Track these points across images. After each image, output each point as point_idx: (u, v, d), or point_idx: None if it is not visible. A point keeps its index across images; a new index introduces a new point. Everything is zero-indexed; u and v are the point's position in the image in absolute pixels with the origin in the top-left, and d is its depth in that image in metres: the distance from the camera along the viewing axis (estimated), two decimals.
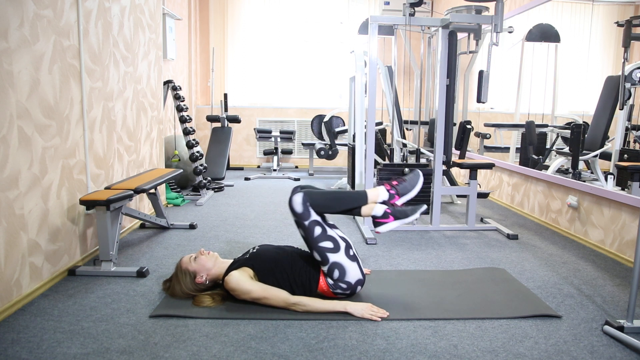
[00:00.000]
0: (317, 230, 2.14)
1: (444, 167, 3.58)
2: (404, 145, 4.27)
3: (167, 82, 4.66)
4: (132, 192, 2.64)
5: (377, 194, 2.24)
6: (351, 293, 2.20)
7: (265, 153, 6.55)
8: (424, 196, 3.49)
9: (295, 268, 2.17)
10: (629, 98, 3.03)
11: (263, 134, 6.31)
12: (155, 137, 3.94)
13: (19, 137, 2.09)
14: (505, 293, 2.35)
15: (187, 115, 4.64)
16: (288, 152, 6.70)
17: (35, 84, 2.21)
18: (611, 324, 1.97)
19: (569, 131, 3.58)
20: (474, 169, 3.57)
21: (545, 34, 4.04)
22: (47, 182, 2.33)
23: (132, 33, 3.37)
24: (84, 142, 2.69)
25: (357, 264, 2.18)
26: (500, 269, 2.71)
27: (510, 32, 4.45)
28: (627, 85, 2.99)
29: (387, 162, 4.33)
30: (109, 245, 2.51)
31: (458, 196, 4.67)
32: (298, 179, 5.89)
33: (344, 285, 2.15)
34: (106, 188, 2.72)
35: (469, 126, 4.32)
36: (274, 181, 5.76)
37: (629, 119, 3.11)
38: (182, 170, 3.56)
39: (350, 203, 2.21)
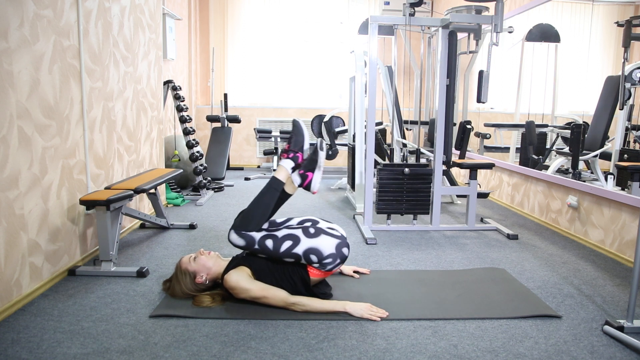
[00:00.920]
0: (269, 243, 2.14)
1: (444, 167, 3.57)
2: (404, 145, 4.27)
3: (167, 82, 4.66)
4: (132, 192, 2.64)
5: (284, 168, 2.30)
6: (341, 260, 2.17)
7: (265, 153, 6.55)
8: (424, 196, 3.49)
9: (289, 266, 2.18)
10: (629, 98, 3.03)
11: (263, 134, 6.31)
12: (155, 137, 3.94)
13: (19, 137, 2.09)
14: (505, 293, 2.35)
15: (187, 115, 4.64)
16: None
17: (35, 84, 2.21)
18: (611, 324, 1.97)
19: (569, 131, 3.58)
20: (474, 169, 3.57)
21: (545, 34, 4.04)
22: (47, 182, 2.33)
23: (132, 33, 3.37)
24: (84, 142, 2.69)
25: (324, 234, 2.16)
26: (500, 269, 2.71)
27: (510, 32, 4.45)
28: (627, 85, 2.99)
29: (387, 162, 4.33)
30: (109, 245, 2.51)
31: (458, 196, 4.67)
32: None
33: (328, 260, 2.13)
34: (106, 188, 2.72)
35: (469, 126, 4.32)
36: None
37: (629, 119, 3.11)
38: (182, 170, 3.56)
39: (272, 196, 2.24)
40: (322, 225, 2.27)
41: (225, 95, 5.97)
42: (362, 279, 2.53)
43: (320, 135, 6.33)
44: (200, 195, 4.63)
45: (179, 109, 4.64)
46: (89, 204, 2.42)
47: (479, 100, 3.31)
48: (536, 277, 2.62)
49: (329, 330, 1.95)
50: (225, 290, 2.16)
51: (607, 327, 1.98)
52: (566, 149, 3.66)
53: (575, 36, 3.66)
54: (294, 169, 2.31)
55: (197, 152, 4.57)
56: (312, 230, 2.17)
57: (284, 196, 2.28)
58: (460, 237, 3.41)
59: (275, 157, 6.45)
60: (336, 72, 6.92)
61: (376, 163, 4.26)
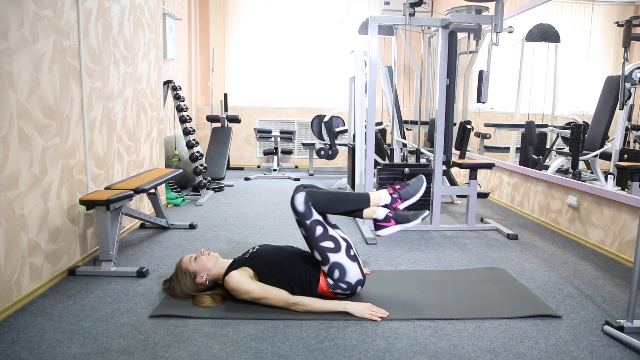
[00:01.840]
0: (319, 230, 2.14)
1: (444, 167, 3.58)
2: (404, 145, 4.27)
3: (167, 82, 4.66)
4: (132, 192, 2.64)
5: (380, 197, 2.24)
6: (351, 293, 2.19)
7: (265, 153, 6.55)
8: (424, 196, 3.49)
9: (295, 268, 2.17)
10: (629, 98, 3.03)
11: (263, 134, 6.31)
12: (155, 137, 3.94)
13: (19, 137, 2.09)
14: (505, 293, 2.35)
15: (187, 115, 4.64)
16: (288, 152, 6.70)
17: (35, 84, 2.21)
18: (611, 324, 1.97)
19: (569, 131, 3.58)
20: (474, 169, 3.57)
21: (545, 34, 4.04)
22: (47, 182, 2.33)
23: (132, 33, 3.37)
24: (84, 142, 2.69)
25: (357, 264, 2.18)
26: (500, 269, 2.71)
27: (510, 32, 4.45)
28: (627, 85, 2.99)
29: (387, 162, 4.33)
30: (109, 245, 2.51)
31: (458, 196, 4.67)
32: (298, 179, 5.89)
33: (344, 286, 2.15)
34: (106, 188, 2.72)
35: (469, 126, 4.32)
36: (274, 181, 5.76)
37: (629, 119, 3.11)
38: (182, 170, 3.56)
39: (352, 205, 2.21)
40: (358, 256, 2.26)
41: (225, 95, 5.97)
42: None
43: (320, 135, 6.33)
44: (200, 195, 4.63)
45: (179, 109, 4.64)
46: (89, 204, 2.42)
47: (479, 100, 3.31)
48: (536, 277, 2.62)
49: (329, 330, 1.95)
50: (226, 291, 2.16)
51: (607, 327, 1.98)
52: (566, 149, 3.66)
53: (575, 36, 3.66)
54: (386, 206, 2.26)
55: (197, 152, 4.57)
56: (352, 252, 2.18)
57: (356, 213, 2.23)
58: (460, 237, 3.41)
59: (276, 157, 6.44)
60: (336, 72, 6.92)
61: (376, 163, 4.26)
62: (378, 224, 2.24)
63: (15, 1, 2.05)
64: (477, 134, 5.19)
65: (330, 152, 5.65)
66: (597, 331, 1.99)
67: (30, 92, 2.17)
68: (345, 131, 5.80)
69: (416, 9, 3.38)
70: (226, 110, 5.87)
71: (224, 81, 6.84)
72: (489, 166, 3.64)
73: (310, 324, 2.00)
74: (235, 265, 2.19)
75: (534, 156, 4.09)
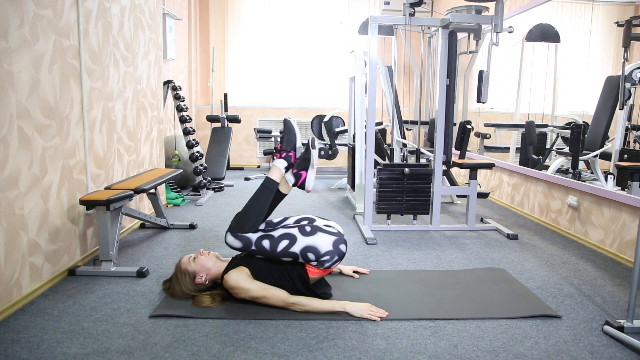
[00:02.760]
0: (267, 244, 2.14)
1: (444, 167, 3.57)
2: (404, 145, 4.27)
3: (167, 82, 4.66)
4: (132, 192, 2.64)
5: (277, 168, 2.31)
6: (339, 257, 2.16)
7: (265, 153, 6.55)
8: (424, 196, 3.49)
9: (287, 265, 2.17)
10: (629, 98, 3.03)
11: (263, 134, 6.31)
12: (155, 137, 3.94)
13: (19, 137, 2.09)
14: (505, 293, 2.35)
15: (187, 115, 4.64)
16: None
17: (35, 84, 2.21)
18: (611, 324, 1.97)
19: (569, 131, 3.58)
20: (474, 169, 3.57)
21: (545, 34, 4.04)
22: (47, 182, 2.33)
23: (132, 33, 3.37)
24: (84, 142, 2.69)
25: (320, 232, 2.15)
26: (500, 269, 2.71)
27: (510, 32, 4.45)
28: (627, 85, 2.99)
29: (387, 162, 4.33)
30: (109, 245, 2.51)
31: (458, 196, 4.67)
32: None
33: (326, 257, 2.12)
34: (106, 188, 2.72)
35: (469, 126, 4.32)
36: None
37: (629, 119, 3.11)
38: (182, 170, 3.56)
39: (267, 196, 2.25)
40: (319, 223, 2.27)
41: (225, 95, 5.97)
42: (362, 279, 2.53)
43: (320, 135, 6.34)
44: (200, 195, 4.63)
45: (179, 109, 4.64)
46: (89, 204, 2.42)
47: (479, 100, 3.31)
48: (536, 277, 2.62)
49: (329, 330, 1.95)
50: (225, 290, 2.16)
51: (607, 327, 1.98)
52: (566, 149, 3.66)
53: (575, 36, 3.66)
54: (287, 169, 2.31)
55: (197, 152, 4.57)
56: (308, 229, 2.17)
57: (279, 196, 2.29)
58: (460, 237, 3.41)
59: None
60: (336, 72, 6.92)
61: (376, 163, 4.26)
62: (298, 185, 2.29)
63: (15, 1, 2.05)
64: (477, 134, 5.19)
65: (330, 152, 5.65)
66: (597, 331, 1.99)
67: (30, 92, 2.17)
68: (345, 131, 5.80)
69: (416, 9, 3.38)
70: (226, 110, 5.87)
71: (224, 81, 6.84)
72: (489, 166, 3.64)
73: (310, 324, 2.00)
74: (232, 264, 2.19)
75: (534, 156, 4.09)
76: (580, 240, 3.35)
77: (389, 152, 4.14)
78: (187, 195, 4.65)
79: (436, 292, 2.36)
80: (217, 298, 2.17)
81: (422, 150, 4.10)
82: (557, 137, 3.95)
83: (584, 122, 3.58)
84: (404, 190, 3.48)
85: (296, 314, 2.06)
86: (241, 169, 6.88)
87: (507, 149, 4.76)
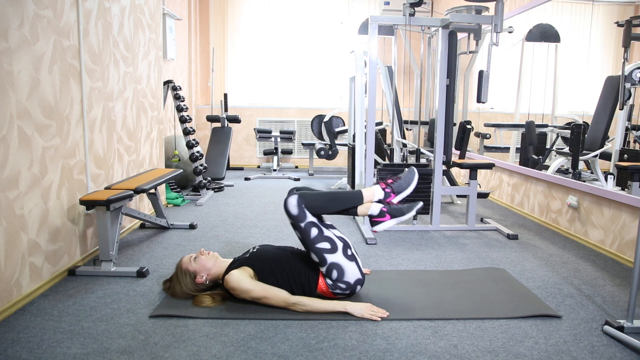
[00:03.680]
0: (314, 232, 2.13)
1: (444, 167, 3.57)
2: (404, 145, 4.27)
3: (167, 82, 4.66)
4: (132, 192, 2.64)
5: (373, 193, 2.25)
6: (350, 293, 2.19)
7: (265, 153, 6.56)
8: (424, 196, 3.49)
9: (295, 268, 2.17)
10: (629, 98, 3.03)
11: (263, 134, 6.31)
12: (155, 137, 3.94)
13: (19, 137, 2.09)
14: (505, 293, 2.35)
15: (187, 115, 4.64)
16: (288, 152, 6.70)
17: (35, 84, 2.21)
18: (611, 324, 1.97)
19: (569, 131, 3.58)
20: (474, 169, 3.57)
21: (545, 34, 4.04)
22: (47, 182, 2.33)
23: (132, 33, 3.37)
24: (84, 142, 2.69)
25: (355, 263, 2.18)
26: (500, 269, 2.71)
27: (510, 32, 4.45)
28: (627, 85, 2.99)
29: (387, 162, 4.33)
30: (109, 245, 2.51)
31: (458, 196, 4.67)
32: (298, 179, 5.89)
33: (343, 286, 2.15)
34: (106, 188, 2.72)
35: (469, 126, 4.32)
36: (274, 181, 5.76)
37: (629, 119, 3.11)
38: (182, 170, 3.56)
39: (346, 203, 2.21)
40: (357, 255, 2.26)
41: (225, 95, 5.97)
42: None
43: (320, 135, 6.34)
44: (200, 195, 4.63)
45: (179, 109, 4.64)
46: (89, 204, 2.42)
47: (479, 100, 3.31)
48: (536, 277, 2.62)
49: (329, 330, 1.95)
50: (226, 291, 2.16)
51: (607, 327, 1.98)
52: (566, 149, 3.66)
53: (575, 36, 3.66)
54: (380, 201, 2.26)
55: (197, 152, 4.57)
56: (349, 252, 2.18)
57: (351, 211, 2.23)
58: (460, 237, 3.41)
59: (276, 157, 6.44)
60: (336, 72, 6.92)
61: (376, 163, 4.26)
62: (373, 220, 2.24)
63: (15, 1, 2.05)
64: (477, 134, 5.19)
65: (330, 152, 5.66)
66: (597, 331, 1.99)
67: (30, 92, 2.17)
68: (345, 131, 5.80)
69: (416, 9, 3.38)
70: (226, 110, 5.87)
71: (224, 81, 6.84)
72: (489, 166, 3.64)
73: (310, 324, 2.00)
74: (235, 264, 2.19)
75: (534, 156, 4.09)
76: (580, 240, 3.35)
77: (389, 152, 4.15)
78: (187, 195, 4.65)
79: (436, 292, 2.36)
80: (217, 298, 2.17)
81: (422, 150, 4.11)
82: (557, 137, 3.95)
83: (584, 122, 3.59)
84: None
85: (296, 314, 2.06)
86: (241, 169, 6.88)
87: (507, 149, 4.76)
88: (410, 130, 5.69)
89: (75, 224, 2.63)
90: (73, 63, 2.56)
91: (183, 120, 4.61)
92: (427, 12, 6.76)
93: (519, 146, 4.37)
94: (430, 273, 2.64)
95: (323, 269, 2.14)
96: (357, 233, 3.46)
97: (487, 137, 5.05)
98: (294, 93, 6.96)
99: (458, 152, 4.44)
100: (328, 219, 2.35)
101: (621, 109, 3.07)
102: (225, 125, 5.75)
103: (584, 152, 3.49)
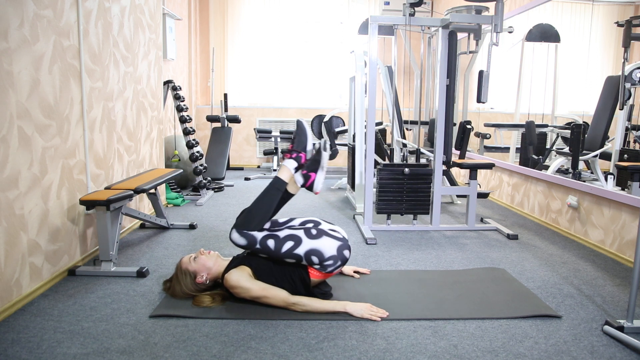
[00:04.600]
0: (271, 243, 2.13)
1: (444, 167, 3.58)
2: (404, 145, 4.27)
3: (167, 82, 4.66)
4: (132, 192, 2.64)
5: (287, 168, 2.29)
6: (342, 262, 2.17)
7: (265, 153, 6.55)
8: (424, 196, 3.49)
9: (289, 265, 2.17)
10: (629, 98, 3.03)
11: (263, 134, 6.31)
12: (155, 137, 3.94)
13: (19, 137, 2.09)
14: (505, 293, 2.35)
15: (187, 115, 4.64)
16: None
17: (35, 84, 2.21)
18: (611, 324, 1.97)
19: (569, 131, 3.58)
20: (474, 169, 3.57)
21: (545, 34, 4.04)
22: (47, 182, 2.33)
23: (132, 33, 3.37)
24: (84, 142, 2.69)
25: (325, 236, 2.16)
26: (500, 269, 2.71)
27: (510, 32, 4.45)
28: (627, 85, 2.99)
29: (387, 162, 4.33)
30: (109, 245, 2.51)
31: (458, 196, 4.67)
32: None
33: (329, 262, 2.12)
34: (106, 188, 2.72)
35: (469, 126, 4.32)
36: None
37: (629, 119, 3.11)
38: (182, 170, 3.56)
39: (275, 196, 2.23)
40: (324, 226, 2.28)
41: (225, 95, 5.97)
42: (362, 279, 2.53)
43: (320, 135, 6.33)
44: (200, 195, 4.63)
45: (179, 109, 4.64)
46: (89, 204, 2.42)
47: (479, 100, 3.31)
48: (536, 277, 2.62)
49: (329, 330, 1.95)
50: (226, 290, 2.16)
51: (607, 327, 1.98)
52: (566, 149, 3.66)
53: (575, 36, 3.66)
54: (297, 169, 2.30)
55: (197, 152, 4.57)
56: (314, 232, 2.17)
57: (287, 196, 2.28)
58: (460, 237, 3.41)
59: (276, 157, 6.45)
60: (336, 72, 6.92)
61: (376, 163, 4.26)
62: (307, 187, 2.27)
63: (15, 1, 2.05)
64: (477, 134, 5.19)
65: (330, 152, 5.65)
66: (597, 331, 1.99)
67: (30, 92, 2.17)
68: (345, 131, 5.80)
69: (416, 9, 3.38)
70: (226, 110, 5.87)
71: (224, 81, 6.84)
72: (489, 166, 3.64)
73: (310, 324, 2.00)
74: (234, 263, 2.19)
75: (534, 156, 4.09)
76: (580, 240, 3.35)
77: (389, 152, 4.15)
78: (187, 195, 4.65)
79: (436, 292, 2.36)
80: (217, 298, 2.16)
81: (422, 150, 4.11)
82: (557, 137, 3.95)
83: (584, 122, 3.59)
84: (404, 190, 3.47)
85: (296, 314, 2.06)
86: (241, 169, 6.88)
87: (507, 149, 4.76)
88: (410, 130, 5.69)
89: (75, 224, 2.63)
90: (73, 63, 2.56)
91: (183, 120, 4.61)
92: (427, 12, 6.76)
93: (519, 146, 4.37)
94: (430, 273, 2.64)
95: (304, 262, 2.14)
96: (357, 233, 3.46)
97: (487, 137, 5.05)
98: (294, 93, 6.96)
99: (458, 152, 4.44)
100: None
101: (621, 109, 3.07)
102: (225, 125, 5.75)
103: (584, 152, 3.49)
